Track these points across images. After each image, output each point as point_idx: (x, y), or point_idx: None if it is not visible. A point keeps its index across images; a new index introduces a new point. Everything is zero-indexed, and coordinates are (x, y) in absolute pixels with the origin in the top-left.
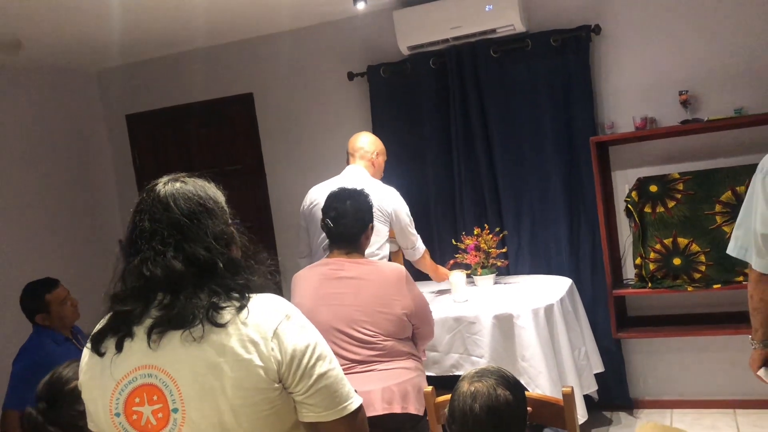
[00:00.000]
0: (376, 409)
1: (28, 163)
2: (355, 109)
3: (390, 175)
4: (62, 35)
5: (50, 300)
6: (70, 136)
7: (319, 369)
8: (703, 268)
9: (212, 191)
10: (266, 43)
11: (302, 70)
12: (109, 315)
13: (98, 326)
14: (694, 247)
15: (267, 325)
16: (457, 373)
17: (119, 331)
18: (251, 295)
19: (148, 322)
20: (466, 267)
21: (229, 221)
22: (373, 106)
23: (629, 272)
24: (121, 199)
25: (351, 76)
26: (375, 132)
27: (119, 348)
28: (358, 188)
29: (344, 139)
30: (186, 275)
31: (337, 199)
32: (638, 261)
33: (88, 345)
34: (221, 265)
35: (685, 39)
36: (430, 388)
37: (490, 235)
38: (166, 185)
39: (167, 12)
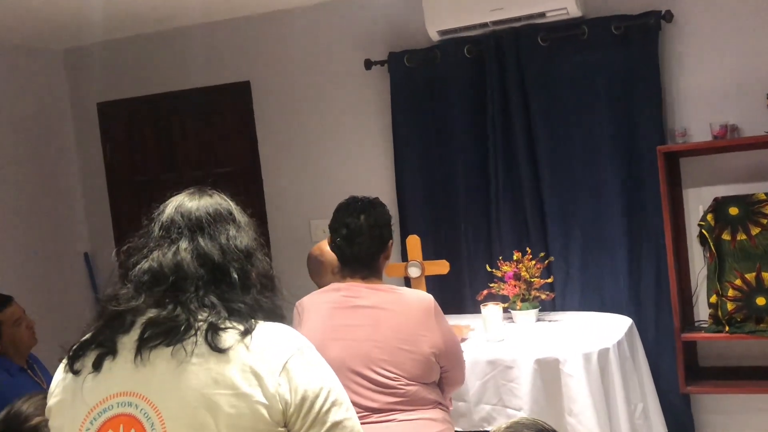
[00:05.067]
0: None
1: None
2: (372, 103)
3: (413, 185)
4: (23, 6)
5: (2, 320)
6: (28, 127)
7: (334, 416)
8: None
9: (240, 211)
10: (269, 21)
11: (310, 56)
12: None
13: (81, 339)
14: None
15: (275, 357)
16: (488, 428)
17: (102, 345)
18: (259, 321)
19: (137, 333)
20: (503, 299)
21: (254, 237)
22: (393, 100)
23: (702, 313)
24: (88, 203)
25: (369, 64)
26: (395, 132)
27: (97, 367)
28: (371, 197)
29: (358, 140)
30: (192, 272)
31: (349, 212)
32: (713, 299)
33: (65, 360)
34: (235, 276)
35: None
36: None
37: (533, 262)
38: (193, 194)
39: None
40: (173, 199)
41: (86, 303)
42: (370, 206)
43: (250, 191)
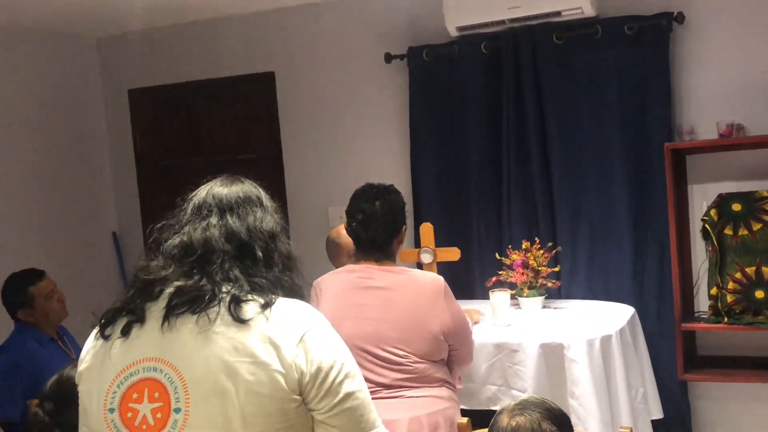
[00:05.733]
0: None
1: (11, 141)
2: (391, 96)
3: (428, 175)
4: None
5: (35, 293)
6: (62, 112)
7: (347, 387)
8: None
9: (268, 197)
10: (293, 15)
11: (333, 49)
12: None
13: (112, 306)
14: None
15: (293, 329)
16: (494, 407)
17: (131, 313)
18: (279, 296)
19: (164, 301)
20: (511, 286)
21: (279, 222)
22: (411, 93)
23: (702, 304)
24: (118, 185)
25: (389, 58)
26: (412, 124)
27: (126, 333)
28: (387, 184)
29: (376, 129)
30: (220, 246)
31: (365, 198)
32: (714, 291)
33: (96, 328)
34: (259, 253)
35: None
36: (465, 420)
37: (541, 251)
38: (226, 181)
39: None
40: (207, 184)
41: (113, 279)
42: (385, 193)
43: (272, 178)
